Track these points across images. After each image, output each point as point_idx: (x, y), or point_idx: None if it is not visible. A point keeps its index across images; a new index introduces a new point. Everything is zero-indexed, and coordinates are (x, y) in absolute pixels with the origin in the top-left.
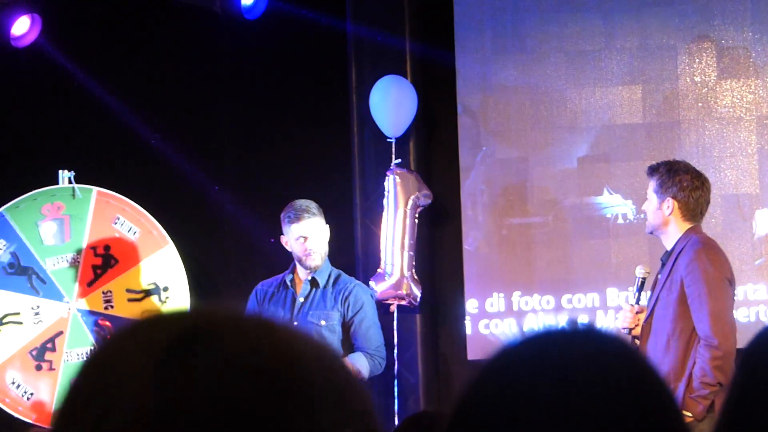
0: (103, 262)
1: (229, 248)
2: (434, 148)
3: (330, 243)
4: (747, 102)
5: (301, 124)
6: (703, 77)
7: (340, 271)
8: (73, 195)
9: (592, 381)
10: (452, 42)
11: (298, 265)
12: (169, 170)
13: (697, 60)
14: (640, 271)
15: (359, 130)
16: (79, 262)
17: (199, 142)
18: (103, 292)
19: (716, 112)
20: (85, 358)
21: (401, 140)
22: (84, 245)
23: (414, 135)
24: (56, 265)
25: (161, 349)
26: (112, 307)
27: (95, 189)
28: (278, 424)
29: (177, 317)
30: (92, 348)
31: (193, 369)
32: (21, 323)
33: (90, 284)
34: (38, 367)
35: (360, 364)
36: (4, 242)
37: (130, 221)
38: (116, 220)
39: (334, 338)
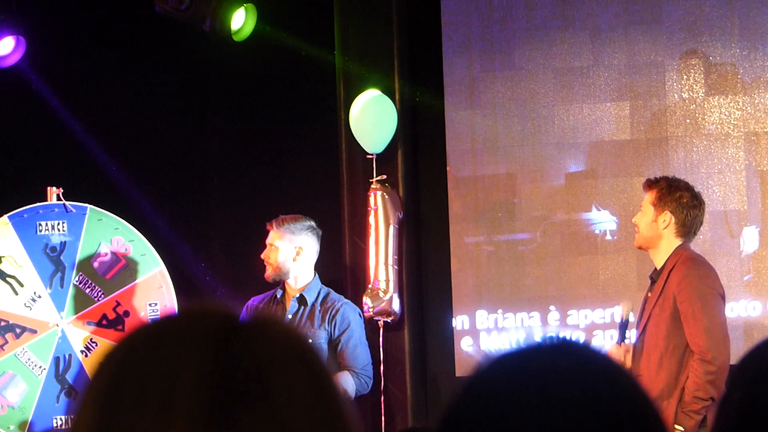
0: (114, 320)
1: (219, 267)
2: (422, 164)
3: (319, 259)
4: (735, 118)
5: (289, 141)
6: (691, 94)
7: (330, 290)
8: (66, 210)
9: (575, 397)
10: (440, 58)
11: (287, 282)
12: (157, 188)
13: (684, 76)
14: (623, 311)
15: (347, 146)
16: (99, 300)
17: (187, 161)
18: (91, 340)
19: (704, 128)
20: (129, 341)
21: (388, 156)
22: (114, 294)
23: (401, 151)
24: (81, 284)
25: (218, 334)
26: (86, 355)
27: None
28: (315, 406)
29: (226, 309)
30: (141, 329)
31: (247, 353)
32: (17, 294)
33: (88, 324)
34: None
35: (346, 383)
36: (66, 229)
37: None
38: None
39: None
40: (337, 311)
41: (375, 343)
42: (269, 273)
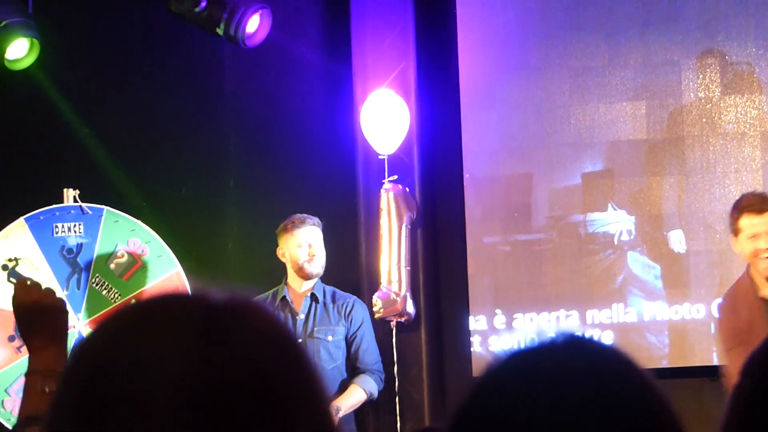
0: None
1: (234, 268)
2: (438, 165)
3: (335, 261)
4: (751, 117)
5: (304, 143)
6: (707, 93)
7: (333, 287)
8: (82, 212)
9: (587, 396)
10: (456, 58)
11: (293, 280)
12: (173, 189)
13: (701, 76)
14: None
15: (362, 147)
16: (115, 302)
17: (204, 161)
18: None
19: (720, 127)
20: (103, 333)
21: (405, 157)
22: (131, 296)
23: (417, 152)
24: (98, 286)
25: (199, 322)
26: None
27: (178, 266)
28: (292, 390)
29: (205, 295)
30: (111, 318)
31: (230, 341)
32: None
33: None
34: (11, 338)
35: (367, 384)
36: (83, 230)
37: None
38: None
39: (339, 354)
40: (352, 308)
41: (389, 344)
42: (320, 270)
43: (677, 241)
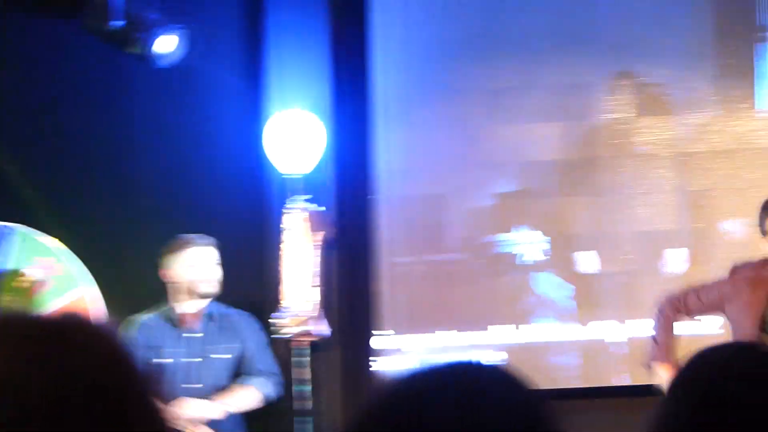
0: None
1: (145, 286)
2: (352, 184)
3: (245, 281)
4: (663, 139)
5: (218, 161)
6: (621, 114)
7: (224, 305)
8: None
9: (471, 425)
10: (371, 78)
11: (185, 300)
12: (84, 208)
13: (613, 97)
14: None
15: (271, 166)
16: None
17: (115, 180)
18: None
19: (632, 149)
20: None
21: (317, 176)
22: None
23: (330, 170)
24: (6, 304)
25: (35, 341)
26: None
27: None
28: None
29: (38, 316)
30: None
31: (67, 357)
32: None
33: None
34: None
35: (263, 388)
36: None
37: None
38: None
39: (236, 369)
40: (244, 323)
41: (297, 363)
42: (214, 289)
43: (588, 261)
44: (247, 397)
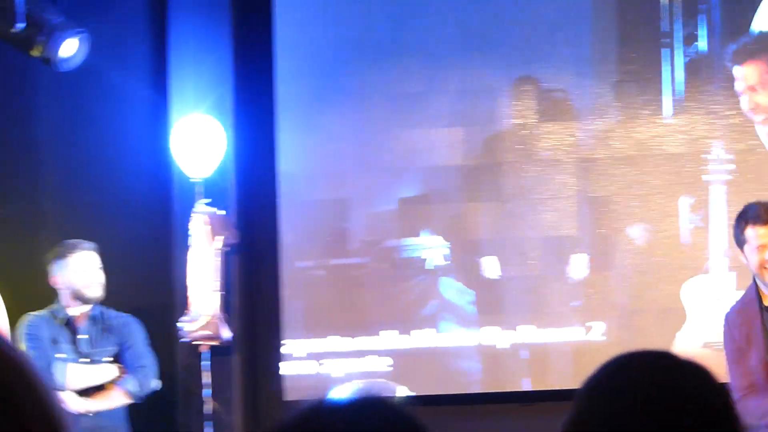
0: None
1: (50, 290)
2: (255, 189)
3: (147, 285)
4: (566, 145)
5: (121, 166)
6: (523, 120)
7: (107, 308)
8: None
9: None
10: (274, 82)
11: (70, 303)
12: None
13: (517, 102)
14: None
15: (176, 170)
16: None
17: (19, 184)
18: None
19: (536, 154)
20: None
21: (219, 181)
22: None
23: (232, 175)
24: None
25: None
26: None
27: None
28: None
29: None
30: None
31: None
32: None
33: None
34: None
35: (128, 385)
36: None
37: None
38: None
39: (117, 369)
40: (127, 325)
41: (200, 367)
42: (99, 294)
43: (491, 267)
44: (111, 398)
